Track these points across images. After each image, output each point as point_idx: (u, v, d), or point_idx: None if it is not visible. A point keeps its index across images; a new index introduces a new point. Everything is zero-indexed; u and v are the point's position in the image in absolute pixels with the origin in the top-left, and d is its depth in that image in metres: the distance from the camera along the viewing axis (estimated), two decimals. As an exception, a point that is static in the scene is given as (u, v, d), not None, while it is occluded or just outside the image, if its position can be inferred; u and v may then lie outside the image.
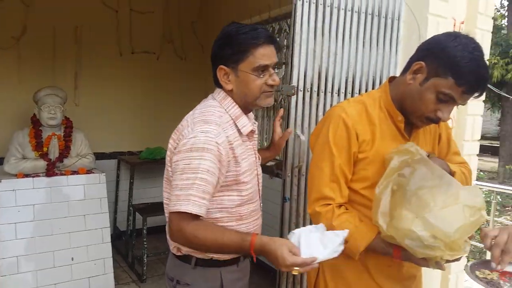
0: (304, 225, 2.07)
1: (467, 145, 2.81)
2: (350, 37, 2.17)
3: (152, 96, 4.72)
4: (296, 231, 1.30)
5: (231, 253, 1.46)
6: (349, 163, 1.43)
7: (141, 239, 3.75)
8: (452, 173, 1.44)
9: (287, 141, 1.97)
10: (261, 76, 1.42)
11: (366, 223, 1.38)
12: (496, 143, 16.18)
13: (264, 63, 1.40)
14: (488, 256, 2.19)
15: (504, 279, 1.30)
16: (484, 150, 16.74)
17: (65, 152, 3.38)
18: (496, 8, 16.17)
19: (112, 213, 4.54)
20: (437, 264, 1.25)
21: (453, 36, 1.32)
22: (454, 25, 2.61)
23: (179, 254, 1.51)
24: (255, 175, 1.55)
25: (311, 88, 2.07)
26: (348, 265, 1.48)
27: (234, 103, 1.47)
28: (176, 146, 1.40)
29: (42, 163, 3.21)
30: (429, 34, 2.23)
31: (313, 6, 2.00)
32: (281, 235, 2.00)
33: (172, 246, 1.53)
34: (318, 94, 2.10)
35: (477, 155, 2.96)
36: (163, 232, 1.59)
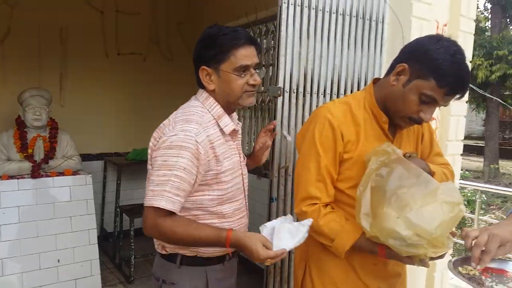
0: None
1: (451, 145, 2.85)
2: (335, 39, 2.19)
3: (139, 97, 4.70)
4: (268, 224, 1.40)
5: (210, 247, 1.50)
6: (335, 163, 1.46)
7: (128, 240, 3.73)
8: (431, 173, 1.46)
9: (273, 142, 1.98)
10: (243, 76, 1.45)
11: (352, 222, 1.40)
12: (481, 143, 16.41)
13: (245, 63, 1.44)
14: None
15: (486, 275, 1.32)
16: (469, 150, 16.99)
17: (50, 153, 3.35)
18: (480, 11, 16.41)
19: (99, 215, 4.51)
20: (422, 261, 1.28)
21: (435, 39, 1.35)
22: (437, 28, 2.65)
23: (164, 252, 1.53)
24: (239, 175, 1.57)
25: (297, 89, 2.09)
26: (334, 264, 1.50)
27: (216, 103, 1.49)
28: (156, 144, 1.43)
29: (27, 165, 3.18)
30: (413, 37, 2.27)
31: (298, 9, 2.02)
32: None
33: (157, 244, 1.54)
34: (304, 95, 2.12)
35: (463, 154, 3.00)
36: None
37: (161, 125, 1.49)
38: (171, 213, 1.35)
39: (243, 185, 1.61)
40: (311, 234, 1.49)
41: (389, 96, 1.43)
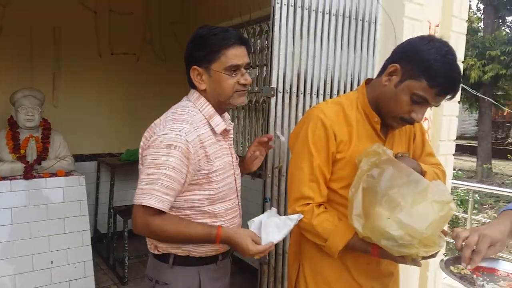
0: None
1: (443, 145, 2.86)
2: (328, 40, 2.20)
3: (132, 97, 4.69)
4: (256, 219, 1.44)
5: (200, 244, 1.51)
6: (328, 163, 1.46)
7: (122, 241, 3.72)
8: (423, 173, 1.47)
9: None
10: (233, 75, 1.46)
11: (345, 222, 1.41)
12: (474, 143, 16.52)
13: (236, 63, 1.44)
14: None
15: (477, 273, 1.33)
16: (462, 150, 17.10)
17: (43, 154, 3.33)
18: (473, 11, 16.52)
19: (93, 216, 4.48)
20: (414, 261, 1.29)
21: (427, 40, 1.36)
22: (430, 28, 2.66)
23: (156, 252, 1.53)
24: (231, 174, 1.57)
25: (291, 90, 2.09)
26: (328, 264, 1.51)
27: (208, 103, 1.50)
28: (146, 143, 1.44)
29: (19, 166, 3.15)
30: (405, 37, 2.28)
31: (291, 9, 2.03)
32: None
33: (149, 243, 1.54)
34: (297, 96, 2.12)
35: (456, 154, 3.01)
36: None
37: (152, 124, 1.50)
38: (160, 212, 1.36)
39: (236, 185, 1.61)
40: (305, 234, 1.50)
41: (381, 97, 1.44)
